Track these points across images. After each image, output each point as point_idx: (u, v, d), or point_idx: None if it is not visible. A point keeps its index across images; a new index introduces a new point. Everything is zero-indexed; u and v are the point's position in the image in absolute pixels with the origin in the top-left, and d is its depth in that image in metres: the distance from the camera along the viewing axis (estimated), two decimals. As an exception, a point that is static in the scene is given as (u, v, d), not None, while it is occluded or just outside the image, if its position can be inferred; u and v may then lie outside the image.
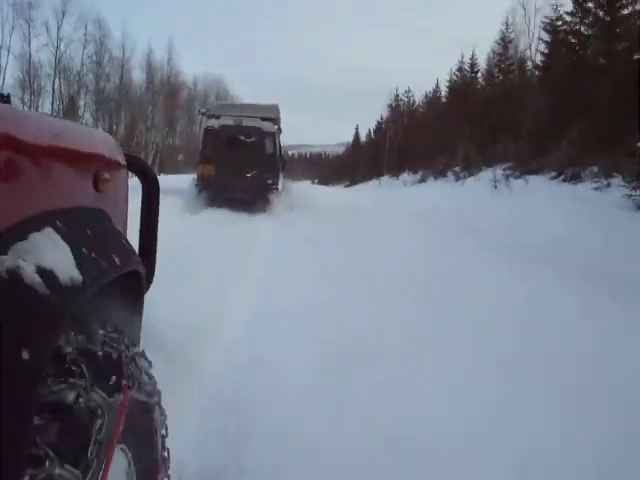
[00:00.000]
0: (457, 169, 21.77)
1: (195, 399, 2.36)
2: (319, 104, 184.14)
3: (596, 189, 10.55)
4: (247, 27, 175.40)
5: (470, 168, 20.21)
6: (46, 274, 0.86)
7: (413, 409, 2.30)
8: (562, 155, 13.39)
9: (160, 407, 1.28)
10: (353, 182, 44.53)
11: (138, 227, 1.75)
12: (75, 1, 38.16)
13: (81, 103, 40.11)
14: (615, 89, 13.30)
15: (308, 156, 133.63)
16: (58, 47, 37.34)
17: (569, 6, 18.36)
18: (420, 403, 2.36)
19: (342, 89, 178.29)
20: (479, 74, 32.01)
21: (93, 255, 1.06)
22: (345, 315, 3.62)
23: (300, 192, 14.29)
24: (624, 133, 11.62)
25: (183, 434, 1.92)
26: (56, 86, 37.89)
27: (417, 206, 13.76)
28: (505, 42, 28.18)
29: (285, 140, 14.29)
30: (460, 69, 33.60)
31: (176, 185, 11.98)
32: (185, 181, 12.78)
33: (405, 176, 30.74)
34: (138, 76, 44.98)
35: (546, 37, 22.04)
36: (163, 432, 1.31)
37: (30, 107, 33.11)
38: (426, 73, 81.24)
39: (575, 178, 12.25)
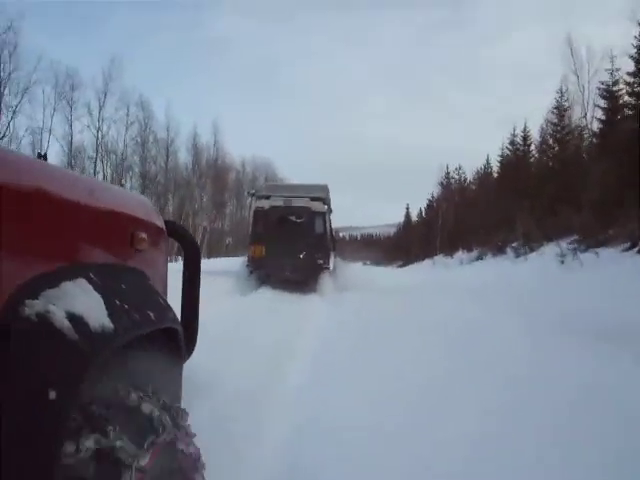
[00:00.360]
0: (516, 244, 20.75)
1: None
2: (367, 186, 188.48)
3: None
4: (294, 109, 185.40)
5: (530, 243, 19.22)
6: (76, 319, 0.89)
7: None
8: (635, 224, 12.39)
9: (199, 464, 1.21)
10: (406, 262, 43.72)
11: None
12: (116, 81, 36.94)
13: (127, 186, 36.97)
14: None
15: (359, 237, 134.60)
16: (100, 128, 36.59)
17: (625, 68, 18.15)
18: None
19: (390, 170, 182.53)
20: (532, 146, 31.59)
21: (126, 307, 1.08)
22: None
23: (352, 272, 13.93)
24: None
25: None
26: (99, 168, 36.92)
27: (479, 284, 12.83)
28: (560, 111, 27.54)
29: (334, 222, 14.17)
30: (512, 142, 33.33)
31: (227, 267, 11.93)
32: (234, 264, 12.69)
33: (460, 254, 29.78)
34: (184, 158, 44.17)
35: (602, 103, 21.69)
36: None
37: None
38: (473, 150, 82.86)
39: (654, 249, 11.18)
